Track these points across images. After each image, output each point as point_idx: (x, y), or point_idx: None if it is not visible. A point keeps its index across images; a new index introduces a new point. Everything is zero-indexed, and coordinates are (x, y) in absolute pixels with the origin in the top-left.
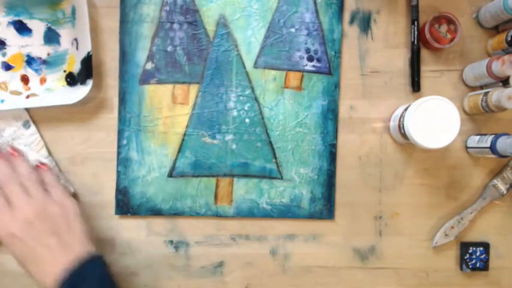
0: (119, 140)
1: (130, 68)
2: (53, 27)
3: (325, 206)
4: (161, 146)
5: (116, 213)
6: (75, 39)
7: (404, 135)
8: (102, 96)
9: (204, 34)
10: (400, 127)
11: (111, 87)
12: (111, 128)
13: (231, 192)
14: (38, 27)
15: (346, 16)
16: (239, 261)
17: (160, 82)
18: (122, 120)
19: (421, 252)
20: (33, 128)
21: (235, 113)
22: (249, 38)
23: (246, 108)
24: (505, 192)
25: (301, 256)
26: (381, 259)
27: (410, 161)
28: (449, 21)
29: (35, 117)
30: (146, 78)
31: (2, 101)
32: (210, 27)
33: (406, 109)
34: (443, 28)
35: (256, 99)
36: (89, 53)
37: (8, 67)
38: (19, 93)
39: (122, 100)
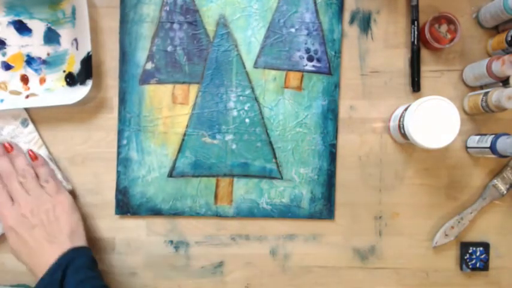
0: (119, 140)
1: (130, 68)
2: (53, 27)
3: (325, 206)
4: (161, 146)
5: (116, 213)
6: (75, 39)
7: (404, 135)
8: (102, 96)
9: (204, 34)
10: (400, 127)
11: (111, 87)
12: (111, 128)
13: (231, 192)
14: (38, 27)
15: (346, 16)
16: (239, 261)
17: (160, 82)
18: (122, 120)
19: (421, 252)
20: (31, 126)
21: (235, 113)
22: (249, 38)
23: (246, 108)
24: (505, 192)
25: (301, 256)
26: (381, 259)
27: (410, 161)
28: (449, 21)
29: (35, 117)
30: (146, 78)
31: (2, 100)
32: (210, 27)
33: (406, 109)
34: (443, 28)
35: (256, 99)
36: (88, 53)
37: (7, 67)
38: (19, 93)
39: (122, 100)
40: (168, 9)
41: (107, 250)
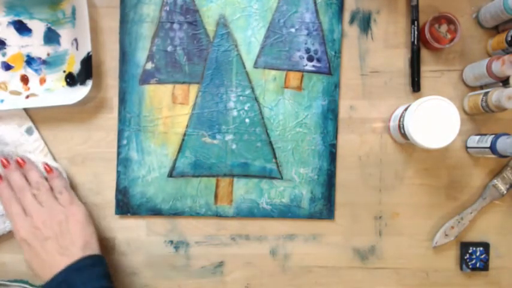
0: (119, 140)
1: (130, 68)
2: (53, 27)
3: (325, 206)
4: (161, 146)
5: (116, 213)
6: (75, 40)
7: (404, 135)
8: (102, 96)
9: (204, 34)
10: (400, 127)
11: (111, 87)
12: (111, 128)
13: (231, 192)
14: (38, 27)
15: (346, 16)
16: (239, 261)
17: (160, 82)
18: (122, 120)
19: (421, 252)
20: (36, 134)
21: (235, 113)
22: (249, 38)
23: (246, 108)
24: (505, 192)
25: (301, 256)
26: (381, 259)
27: (410, 161)
28: (449, 21)
29: (35, 117)
30: (146, 78)
31: (2, 101)
32: (210, 27)
33: (406, 109)
34: (443, 28)
35: (256, 99)
36: (88, 53)
37: (7, 67)
38: (19, 93)
39: (122, 100)
40: (168, 9)
41: (107, 250)
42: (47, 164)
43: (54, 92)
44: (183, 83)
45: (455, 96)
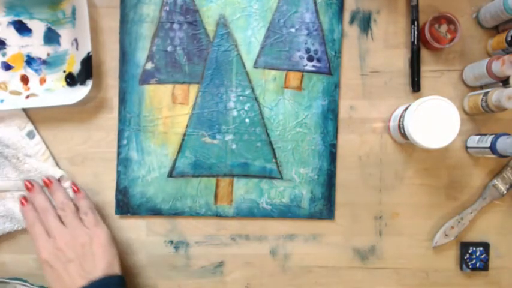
0: (119, 140)
1: (130, 68)
2: (53, 27)
3: (325, 206)
4: (161, 146)
5: (116, 213)
6: (75, 40)
7: (404, 135)
8: (102, 96)
9: (204, 34)
10: (400, 127)
11: (111, 87)
12: (111, 128)
13: (231, 192)
14: (38, 27)
15: (346, 16)
16: (239, 261)
17: (160, 82)
18: (122, 120)
19: (421, 252)
20: (37, 137)
21: (235, 113)
22: (249, 38)
23: (246, 108)
24: (505, 192)
25: (301, 256)
26: (381, 259)
27: (410, 161)
28: (449, 21)
29: (35, 117)
30: (146, 78)
31: (2, 100)
32: (210, 27)
33: (406, 109)
34: (443, 28)
35: (256, 99)
36: (88, 53)
37: (7, 67)
38: (19, 93)
39: (122, 100)
40: (168, 9)
41: None
42: (74, 184)
43: (54, 92)
44: (183, 83)
45: (455, 96)
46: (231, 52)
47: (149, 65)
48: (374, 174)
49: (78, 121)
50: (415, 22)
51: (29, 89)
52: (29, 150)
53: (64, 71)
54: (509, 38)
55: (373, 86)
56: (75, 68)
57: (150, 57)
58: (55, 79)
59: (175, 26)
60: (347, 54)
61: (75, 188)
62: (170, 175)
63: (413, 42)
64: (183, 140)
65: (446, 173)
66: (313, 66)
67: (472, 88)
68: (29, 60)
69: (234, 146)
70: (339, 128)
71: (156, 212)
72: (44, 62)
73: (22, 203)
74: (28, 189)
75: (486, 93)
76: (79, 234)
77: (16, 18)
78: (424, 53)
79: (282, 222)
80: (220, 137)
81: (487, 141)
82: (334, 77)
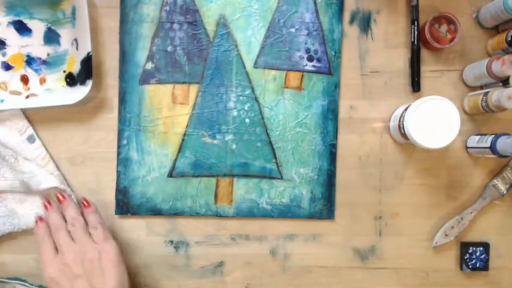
0: (119, 140)
1: (130, 68)
2: (53, 27)
3: (325, 206)
4: (161, 146)
5: (116, 213)
6: (75, 40)
7: (404, 135)
8: (102, 96)
9: (204, 34)
10: (400, 127)
11: (111, 87)
12: (111, 128)
13: (231, 192)
14: (38, 27)
15: (346, 16)
16: (239, 261)
17: (160, 82)
18: (122, 120)
19: (421, 252)
20: (38, 142)
21: (235, 113)
22: (249, 38)
23: (246, 108)
24: (505, 192)
25: (301, 256)
26: (381, 259)
27: (410, 161)
28: (449, 21)
29: (35, 117)
30: (146, 78)
31: (2, 100)
32: (210, 27)
33: (406, 109)
34: (443, 28)
35: (256, 99)
36: (88, 53)
37: (7, 67)
38: (19, 93)
39: (122, 100)
40: (168, 9)
41: None
42: (85, 199)
43: (54, 92)
44: (183, 83)
45: (455, 96)
46: (231, 52)
47: (149, 65)
48: (374, 174)
49: (78, 121)
50: (415, 22)
51: (29, 89)
52: (29, 154)
53: (64, 71)
54: (509, 38)
55: (373, 86)
56: (75, 68)
57: (150, 57)
58: (55, 79)
59: (175, 26)
60: (347, 54)
61: (85, 203)
62: (170, 175)
63: (413, 42)
64: (183, 140)
65: (446, 173)
66: (313, 66)
67: (472, 88)
68: (29, 60)
69: (234, 146)
70: (339, 128)
71: (156, 212)
72: (44, 62)
73: (37, 222)
74: (46, 207)
75: (486, 93)
76: (88, 250)
77: (16, 18)
78: (424, 53)
79: (282, 222)
80: (220, 137)
81: (487, 141)
82: (334, 77)
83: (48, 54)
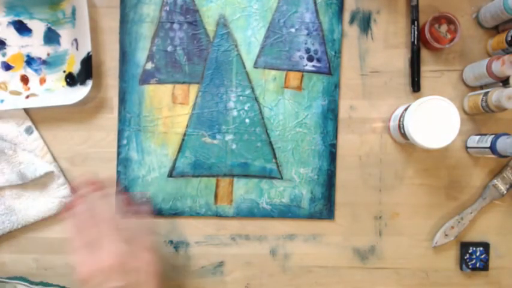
0: (119, 140)
1: (130, 68)
2: (53, 27)
3: (325, 206)
4: (161, 146)
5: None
6: (75, 40)
7: (404, 135)
8: (102, 96)
9: (204, 34)
10: (400, 127)
11: (111, 87)
12: (111, 128)
13: (231, 192)
14: (38, 27)
15: (346, 16)
16: (239, 261)
17: (160, 82)
18: (122, 120)
19: (421, 252)
20: (36, 133)
21: (235, 113)
22: (249, 38)
23: (246, 108)
24: (505, 192)
25: (301, 256)
26: (381, 259)
27: (410, 161)
28: (449, 21)
29: (35, 117)
30: (146, 78)
31: (2, 101)
32: (210, 27)
33: (406, 109)
34: (443, 28)
35: (256, 99)
36: (88, 53)
37: (7, 67)
38: (19, 93)
39: (122, 100)
40: (168, 9)
41: None
42: (144, 196)
43: (54, 92)
44: (183, 83)
45: (455, 96)
46: (231, 52)
47: (149, 65)
48: (374, 174)
49: (78, 121)
50: (415, 22)
51: (29, 89)
52: (27, 146)
53: (64, 71)
54: (509, 38)
55: (373, 86)
56: (75, 68)
57: (150, 57)
58: (55, 79)
59: (175, 26)
60: (347, 54)
61: (144, 200)
62: (170, 175)
63: (413, 42)
64: (183, 140)
65: (446, 173)
66: (313, 66)
67: (472, 88)
68: (29, 60)
69: (234, 146)
70: (339, 128)
71: (156, 212)
72: (44, 62)
73: (72, 204)
74: (87, 186)
75: (486, 93)
76: (128, 260)
77: (16, 18)
78: (424, 53)
79: (282, 222)
80: (220, 137)
81: (487, 141)
82: (334, 77)
83: (48, 54)
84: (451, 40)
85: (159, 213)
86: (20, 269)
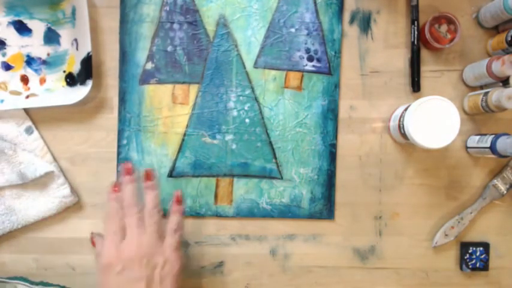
0: (119, 140)
1: (130, 68)
2: (53, 27)
3: (325, 206)
4: (161, 146)
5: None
6: (75, 40)
7: (404, 135)
8: (102, 96)
9: (204, 34)
10: (400, 127)
11: (111, 87)
12: (111, 128)
13: (231, 192)
14: (38, 27)
15: (346, 16)
16: (239, 261)
17: (160, 82)
18: (122, 120)
19: (421, 252)
20: (36, 133)
21: (235, 113)
22: (249, 38)
23: (246, 108)
24: (505, 192)
25: (301, 256)
26: (381, 259)
27: (410, 161)
28: (449, 21)
29: (35, 117)
30: (146, 78)
31: (2, 101)
32: (210, 27)
33: (406, 109)
34: (443, 28)
35: (256, 99)
36: (88, 53)
37: (7, 67)
38: (19, 93)
39: (122, 100)
40: (168, 9)
41: None
42: (179, 195)
43: (54, 92)
44: (183, 83)
45: (455, 96)
46: (231, 52)
47: (149, 65)
48: (374, 174)
49: (78, 121)
50: (415, 22)
51: (29, 89)
52: (27, 146)
53: (64, 71)
54: (509, 38)
55: (373, 86)
56: (75, 68)
57: (150, 57)
58: (55, 79)
59: (175, 26)
60: (347, 54)
61: (179, 198)
62: (170, 175)
63: (413, 42)
64: (183, 140)
65: (446, 173)
66: (313, 66)
67: (472, 88)
68: (29, 60)
69: (234, 146)
70: (339, 128)
71: None
72: (44, 62)
73: (113, 190)
74: (127, 172)
75: (486, 93)
76: (156, 256)
77: (16, 18)
78: (424, 53)
79: (282, 222)
80: (220, 137)
81: (487, 141)
82: (334, 77)
83: (48, 54)
84: (451, 40)
85: None
86: (20, 269)
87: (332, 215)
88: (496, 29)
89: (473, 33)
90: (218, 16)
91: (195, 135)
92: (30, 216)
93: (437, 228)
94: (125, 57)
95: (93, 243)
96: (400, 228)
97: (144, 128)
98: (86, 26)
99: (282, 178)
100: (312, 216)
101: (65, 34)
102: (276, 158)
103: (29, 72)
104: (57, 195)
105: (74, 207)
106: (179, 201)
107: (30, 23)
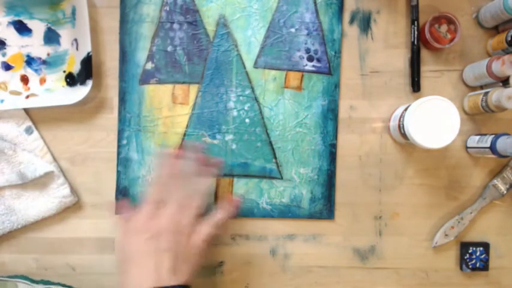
0: (119, 140)
1: (131, 68)
2: (53, 27)
3: (325, 206)
4: (161, 146)
5: (116, 213)
6: (75, 40)
7: (404, 135)
8: (102, 96)
9: (204, 34)
10: (400, 127)
11: (111, 87)
12: (111, 128)
13: (231, 192)
14: (38, 27)
15: (346, 16)
16: (239, 261)
17: (160, 82)
18: (122, 120)
19: (421, 252)
20: (36, 133)
21: (235, 113)
22: (249, 38)
23: (246, 108)
24: (505, 192)
25: (301, 256)
26: (381, 259)
27: (410, 161)
28: (449, 21)
29: (35, 117)
30: (146, 78)
31: (2, 101)
32: (210, 27)
33: (406, 109)
34: (443, 28)
35: (256, 99)
36: (88, 53)
37: (7, 67)
38: (19, 93)
39: (122, 100)
40: (168, 9)
41: (107, 250)
42: (235, 198)
43: (54, 92)
44: (183, 83)
45: (455, 96)
46: (231, 52)
47: (149, 65)
48: (374, 174)
49: (78, 121)
50: (415, 22)
51: (29, 89)
52: (27, 146)
53: (64, 71)
54: (509, 38)
55: (373, 86)
56: (75, 68)
57: (150, 57)
58: (55, 79)
59: (175, 26)
60: (347, 54)
61: (234, 198)
62: None
63: (413, 42)
64: (183, 140)
65: (446, 173)
66: (313, 66)
67: (472, 88)
68: (29, 60)
69: (234, 146)
70: (339, 128)
71: None
72: (44, 62)
73: (177, 154)
74: (196, 150)
75: (486, 93)
76: (185, 234)
77: (16, 18)
78: (424, 53)
79: (282, 222)
80: (220, 137)
81: (487, 141)
82: (334, 77)
83: (48, 54)
84: (451, 40)
85: None
86: (20, 269)
87: (332, 215)
88: (496, 29)
89: (473, 33)
90: (218, 16)
91: (195, 135)
92: (30, 216)
93: (437, 228)
94: (124, 57)
95: (117, 208)
96: (400, 228)
97: (144, 128)
98: (86, 26)
99: (282, 178)
100: (312, 216)
101: (65, 34)
102: (276, 158)
103: (29, 72)
104: (57, 195)
105: (73, 207)
106: (236, 206)
107: (30, 23)
